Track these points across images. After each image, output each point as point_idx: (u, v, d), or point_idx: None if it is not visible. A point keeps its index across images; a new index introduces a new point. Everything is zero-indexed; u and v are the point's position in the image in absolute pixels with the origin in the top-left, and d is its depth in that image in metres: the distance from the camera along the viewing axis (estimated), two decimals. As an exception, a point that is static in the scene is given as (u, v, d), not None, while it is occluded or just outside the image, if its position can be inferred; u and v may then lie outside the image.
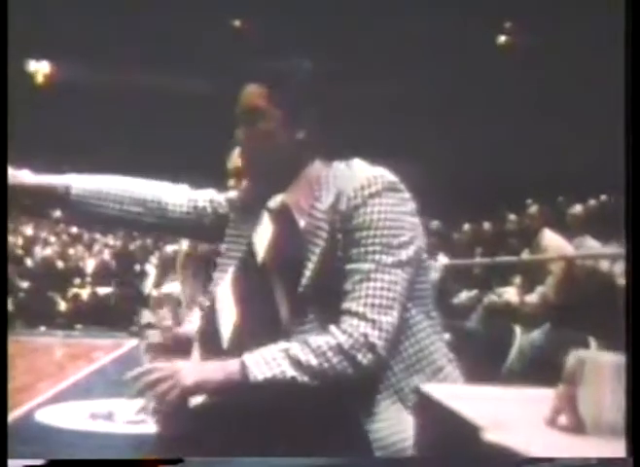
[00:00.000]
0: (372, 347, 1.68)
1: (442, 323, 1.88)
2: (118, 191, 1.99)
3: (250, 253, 1.87)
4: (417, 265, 1.79)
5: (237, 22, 21.53)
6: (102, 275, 13.47)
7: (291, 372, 1.66)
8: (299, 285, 1.76)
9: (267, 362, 1.67)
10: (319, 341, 1.69)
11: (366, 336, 1.68)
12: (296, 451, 1.65)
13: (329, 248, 1.77)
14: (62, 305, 12.90)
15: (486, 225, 9.20)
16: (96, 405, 5.30)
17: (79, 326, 12.45)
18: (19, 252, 14.99)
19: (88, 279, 13.55)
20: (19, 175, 1.95)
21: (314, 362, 1.67)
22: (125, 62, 20.12)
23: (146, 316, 10.49)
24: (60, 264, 13.98)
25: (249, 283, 1.85)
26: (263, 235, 1.88)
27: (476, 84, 18.64)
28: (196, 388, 1.66)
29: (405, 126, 18.60)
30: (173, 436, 1.75)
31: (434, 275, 6.37)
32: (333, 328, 1.70)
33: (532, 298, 4.44)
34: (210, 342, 1.80)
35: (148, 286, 12.59)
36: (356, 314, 1.70)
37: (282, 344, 1.70)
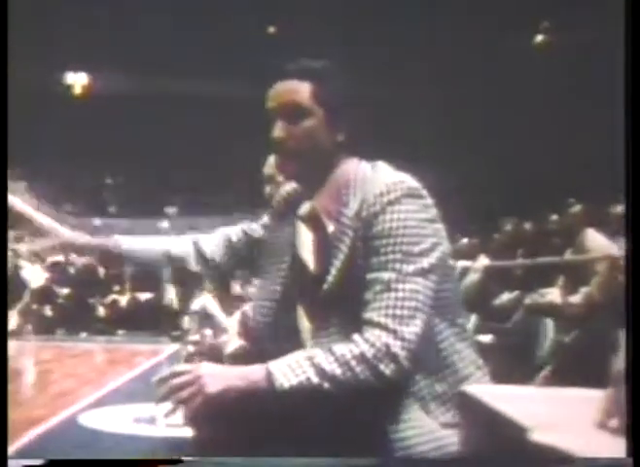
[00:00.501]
0: (394, 358, 1.66)
1: (478, 326, 1.85)
2: (160, 251, 2.13)
3: (296, 264, 1.87)
4: (441, 271, 1.75)
5: (272, 29, 21.60)
6: (143, 281, 13.56)
7: (316, 379, 1.65)
8: (321, 292, 1.76)
9: (293, 369, 1.66)
10: (343, 349, 1.67)
11: (388, 346, 1.66)
12: (318, 455, 1.65)
13: (350, 256, 1.75)
14: (103, 312, 13.02)
15: (528, 225, 9.09)
16: (139, 409, 5.33)
17: (120, 332, 12.55)
18: (60, 259, 15.13)
19: (129, 285, 13.64)
20: (75, 236, 2.16)
21: (338, 371, 1.65)
22: (163, 72, 20.28)
23: (187, 321, 10.55)
24: (101, 270, 14.09)
25: (299, 293, 1.86)
26: (305, 246, 1.87)
27: (518, 84, 18.52)
28: (220, 395, 1.64)
29: (447, 129, 18.54)
30: (201, 439, 1.74)
31: (473, 277, 6.32)
32: (356, 336, 1.68)
33: (576, 298, 4.37)
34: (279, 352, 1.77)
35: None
36: (378, 325, 1.68)
37: (306, 352, 1.70)
